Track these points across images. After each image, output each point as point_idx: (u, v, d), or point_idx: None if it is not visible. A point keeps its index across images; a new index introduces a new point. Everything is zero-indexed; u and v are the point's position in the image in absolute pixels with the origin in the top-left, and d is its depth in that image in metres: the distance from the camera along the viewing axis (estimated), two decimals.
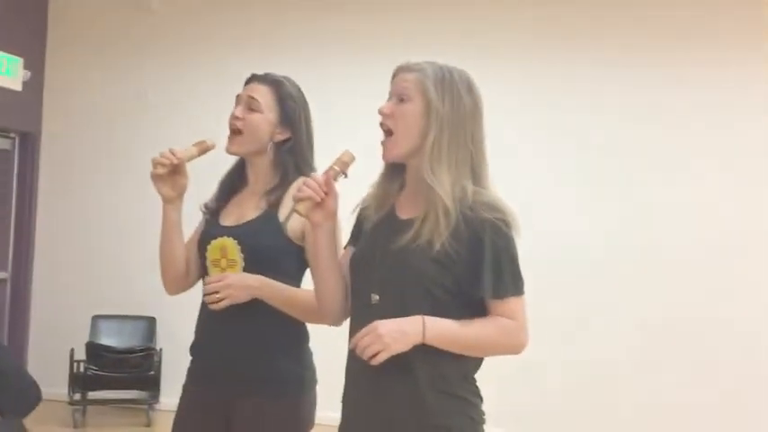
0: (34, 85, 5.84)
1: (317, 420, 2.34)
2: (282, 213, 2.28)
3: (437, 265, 1.82)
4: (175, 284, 2.40)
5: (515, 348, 1.89)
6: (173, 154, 2.24)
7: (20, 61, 5.64)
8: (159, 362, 5.32)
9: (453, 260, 1.82)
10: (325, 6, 5.59)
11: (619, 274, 5.10)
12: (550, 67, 5.28)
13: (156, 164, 2.24)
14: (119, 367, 5.24)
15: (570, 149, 5.26)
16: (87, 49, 5.95)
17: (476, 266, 1.82)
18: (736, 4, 5.05)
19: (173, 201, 2.30)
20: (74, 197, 5.94)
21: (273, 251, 2.27)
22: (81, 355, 5.32)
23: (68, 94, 5.97)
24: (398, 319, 1.81)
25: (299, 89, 2.39)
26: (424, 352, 1.82)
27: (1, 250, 5.85)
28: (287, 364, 2.27)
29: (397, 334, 1.78)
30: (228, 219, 2.35)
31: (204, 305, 2.31)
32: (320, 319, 2.21)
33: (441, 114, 1.87)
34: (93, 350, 5.26)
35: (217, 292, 2.20)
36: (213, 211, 2.39)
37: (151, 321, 5.63)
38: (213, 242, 2.30)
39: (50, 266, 5.93)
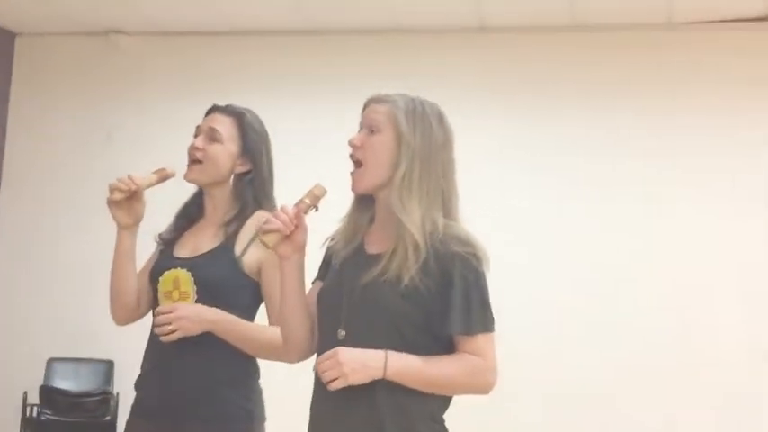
0: None
1: None
2: (239, 246, 2.24)
3: (405, 300, 1.77)
4: (124, 314, 2.34)
5: (482, 388, 1.83)
6: (131, 180, 2.19)
7: None
8: (116, 406, 5.17)
9: (422, 295, 1.77)
10: (293, 47, 5.60)
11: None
12: (533, 108, 5.31)
13: (113, 189, 2.20)
14: (74, 411, 5.09)
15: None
16: (53, 86, 5.88)
17: (444, 301, 1.77)
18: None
19: (128, 227, 2.25)
20: (33, 233, 5.81)
21: (228, 285, 2.22)
22: (35, 398, 5.17)
23: (32, 129, 5.88)
24: (362, 351, 1.75)
25: (261, 122, 2.37)
26: (387, 387, 1.77)
27: None
28: (235, 398, 2.20)
29: (357, 365, 1.73)
30: (183, 250, 2.30)
31: (152, 337, 2.24)
32: (278, 355, 2.15)
33: (412, 146, 1.84)
34: (48, 394, 5.11)
35: (168, 324, 2.14)
36: (168, 242, 2.34)
37: (109, 365, 5.47)
38: (166, 273, 2.25)
39: (5, 307, 5.77)
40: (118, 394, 5.25)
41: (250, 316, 2.27)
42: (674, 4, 4.86)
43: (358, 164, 1.89)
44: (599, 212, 5.12)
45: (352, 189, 1.92)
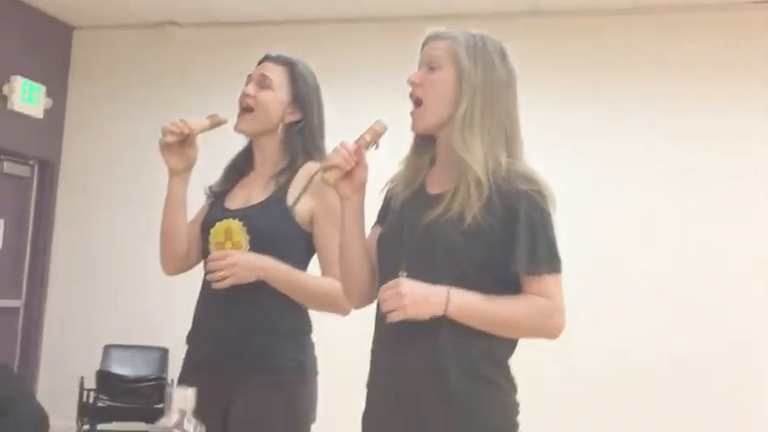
0: (55, 114, 5.85)
1: None
2: (291, 196, 2.20)
3: (468, 238, 1.71)
4: (174, 263, 2.31)
5: (550, 331, 1.75)
6: (184, 123, 2.18)
7: (42, 89, 5.66)
8: (170, 393, 5.16)
9: (486, 233, 1.71)
10: (347, 36, 5.58)
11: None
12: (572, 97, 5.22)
13: (166, 132, 2.18)
14: (129, 397, 5.13)
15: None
16: (109, 79, 5.96)
17: (509, 240, 1.70)
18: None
19: (180, 173, 2.23)
20: (90, 226, 5.89)
21: (280, 234, 2.18)
22: (91, 383, 5.22)
23: (89, 122, 5.97)
24: (424, 284, 1.69)
25: (313, 73, 2.33)
26: (450, 327, 1.71)
27: (15, 278, 5.79)
28: (287, 350, 2.16)
29: (419, 298, 1.67)
30: (234, 202, 2.27)
31: (204, 288, 2.22)
32: (332, 305, 2.12)
33: (473, 82, 1.77)
34: (104, 379, 5.15)
35: (221, 270, 2.11)
36: (218, 195, 2.32)
37: (163, 352, 5.51)
38: (218, 224, 2.22)
39: (64, 295, 5.86)
40: (173, 381, 5.27)
41: (302, 268, 2.22)
42: None
43: (417, 102, 1.84)
44: (633, 194, 5.01)
45: (412, 128, 1.87)
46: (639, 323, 4.84)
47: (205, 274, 2.18)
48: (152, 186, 5.48)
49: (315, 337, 2.25)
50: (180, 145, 2.20)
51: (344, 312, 2.19)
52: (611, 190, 5.04)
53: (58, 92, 5.86)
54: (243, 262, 2.11)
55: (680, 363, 4.73)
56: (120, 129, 5.92)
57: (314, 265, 2.30)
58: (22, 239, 5.82)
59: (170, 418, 1.26)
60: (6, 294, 5.71)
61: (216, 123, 2.25)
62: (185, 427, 1.25)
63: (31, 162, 5.86)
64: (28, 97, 5.56)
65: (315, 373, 2.22)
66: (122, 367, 5.34)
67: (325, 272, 2.21)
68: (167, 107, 5.86)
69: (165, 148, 2.19)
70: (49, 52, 5.86)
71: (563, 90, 5.19)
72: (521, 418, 1.77)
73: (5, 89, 5.43)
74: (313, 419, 2.21)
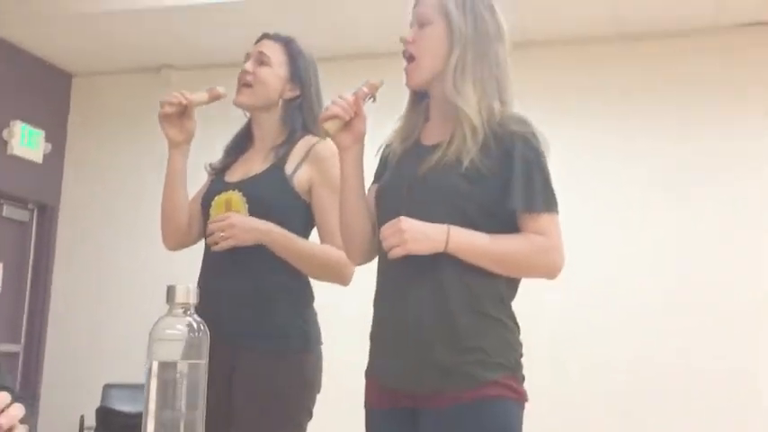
0: (55, 158, 5.91)
1: None
2: (289, 166, 2.24)
3: (466, 181, 1.75)
4: (175, 237, 2.34)
5: (549, 269, 1.78)
6: (182, 95, 2.23)
7: (42, 134, 5.75)
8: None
9: (484, 176, 1.75)
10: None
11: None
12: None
13: (164, 104, 2.23)
14: None
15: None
16: (107, 123, 6.05)
17: (506, 179, 1.75)
18: None
19: (179, 145, 2.28)
20: (89, 268, 5.90)
21: (279, 203, 2.22)
22: (91, 422, 5.16)
23: (88, 166, 6.03)
24: (424, 222, 1.73)
25: (310, 51, 2.40)
26: (452, 264, 1.73)
27: (15, 323, 5.77)
28: (291, 317, 2.18)
29: (419, 234, 1.71)
30: (234, 175, 2.31)
31: (206, 255, 2.24)
32: (332, 272, 2.15)
33: (463, 33, 1.84)
34: (104, 415, 5.09)
35: (221, 232, 2.13)
36: (219, 170, 2.36)
37: None
38: (217, 197, 2.26)
39: (63, 336, 5.84)
40: None
41: (303, 238, 2.25)
42: None
43: (410, 58, 1.90)
44: (635, 218, 5.01)
45: (407, 83, 1.92)
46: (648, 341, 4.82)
47: (206, 238, 2.20)
48: (151, 221, 5.55)
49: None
50: (179, 117, 2.25)
51: (345, 281, 2.21)
52: (608, 213, 5.06)
53: (57, 136, 5.94)
54: (241, 223, 2.14)
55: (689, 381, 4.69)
56: (119, 171, 5.98)
57: (314, 238, 2.33)
58: (22, 283, 5.83)
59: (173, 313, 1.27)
60: (5, 338, 5.68)
61: (214, 97, 2.30)
62: (190, 320, 1.26)
63: (30, 206, 5.90)
64: (27, 142, 5.64)
65: (319, 342, 2.23)
66: (123, 404, 5.28)
67: (323, 240, 2.23)
68: (165, 149, 5.93)
69: (164, 119, 2.24)
70: (49, 98, 5.96)
71: (556, 116, 5.25)
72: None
73: (5, 134, 5.51)
74: (318, 389, 2.21)
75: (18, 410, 1.20)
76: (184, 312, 1.25)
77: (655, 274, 4.88)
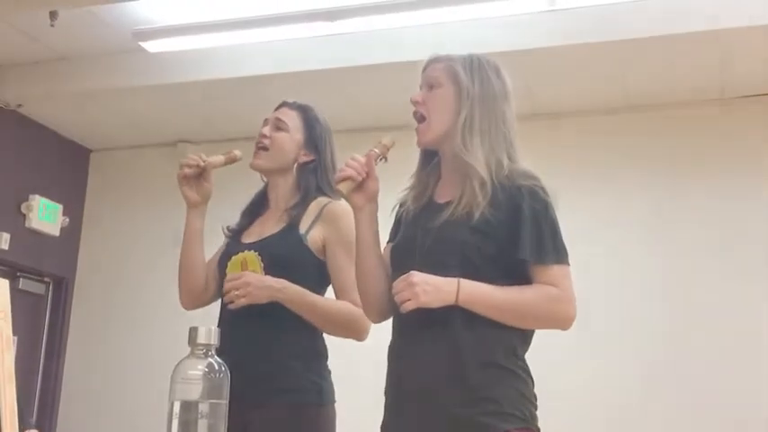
0: (72, 231, 5.99)
1: None
2: (303, 226, 2.29)
3: (477, 233, 1.79)
4: (192, 297, 2.37)
5: (562, 320, 1.80)
6: (200, 157, 2.29)
7: (59, 207, 5.84)
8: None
9: (493, 227, 1.79)
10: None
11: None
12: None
13: (183, 165, 2.29)
14: None
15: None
16: (124, 197, 6.15)
17: (515, 231, 1.79)
18: None
19: (197, 205, 2.34)
20: (103, 342, 5.91)
21: (294, 261, 2.26)
22: None
23: (104, 240, 6.10)
24: (435, 276, 1.77)
25: (325, 118, 2.47)
26: (464, 317, 1.76)
27: (27, 398, 5.74)
28: (306, 373, 2.20)
29: (430, 287, 1.74)
30: (250, 237, 2.36)
31: (222, 313, 2.27)
32: (348, 327, 2.16)
33: (471, 94, 1.91)
34: None
35: (236, 291, 2.16)
36: (235, 233, 2.41)
37: None
38: (234, 258, 2.30)
39: (76, 410, 5.82)
40: None
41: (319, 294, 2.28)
42: None
43: (421, 119, 1.96)
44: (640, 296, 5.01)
45: (418, 143, 1.99)
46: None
47: (222, 297, 2.24)
48: (166, 301, 5.59)
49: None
50: (196, 179, 2.31)
51: (361, 336, 2.24)
52: (620, 281, 5.07)
53: (74, 210, 6.03)
54: (256, 281, 2.18)
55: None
56: (135, 245, 6.04)
57: (329, 294, 2.36)
58: (35, 356, 5.84)
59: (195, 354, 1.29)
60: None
61: (231, 159, 2.37)
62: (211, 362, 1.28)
63: (46, 279, 5.95)
64: (45, 215, 5.73)
65: (333, 400, 2.25)
66: None
67: (339, 297, 2.27)
68: (180, 221, 5.98)
69: (183, 180, 2.31)
70: (67, 173, 6.07)
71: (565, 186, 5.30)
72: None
73: (24, 207, 5.60)
74: None
75: None
76: (205, 354, 1.28)
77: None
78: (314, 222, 2.29)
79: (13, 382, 1.20)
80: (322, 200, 2.33)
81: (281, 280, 2.20)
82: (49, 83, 5.32)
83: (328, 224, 2.28)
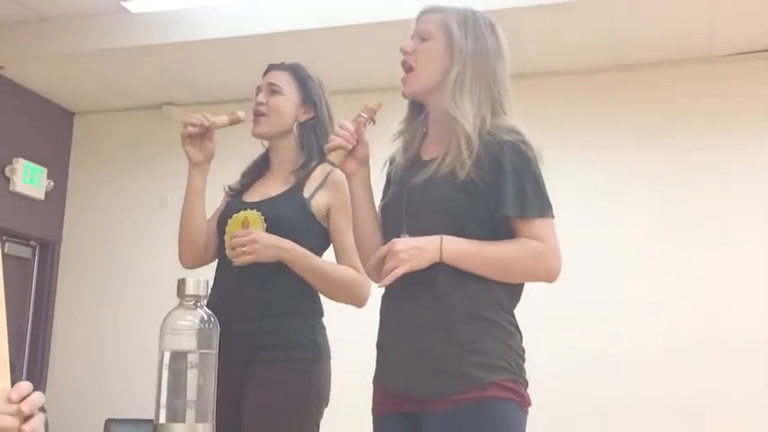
0: (56, 195, 5.96)
1: None
2: (308, 190, 2.29)
3: (462, 193, 1.80)
4: (192, 255, 2.38)
5: (546, 273, 1.81)
6: (204, 117, 2.28)
7: (44, 171, 5.80)
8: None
9: (478, 186, 1.80)
10: None
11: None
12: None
13: (187, 124, 2.28)
14: None
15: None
16: (109, 160, 6.11)
17: (497, 187, 1.79)
18: None
19: (200, 165, 2.33)
20: (90, 303, 5.92)
21: (298, 225, 2.26)
22: None
23: (89, 203, 6.08)
24: (416, 238, 1.78)
25: (316, 74, 2.46)
26: (449, 273, 1.77)
27: (16, 361, 5.76)
28: (303, 329, 2.21)
29: (414, 251, 1.75)
30: (252, 197, 2.36)
31: (220, 269, 2.27)
32: (348, 292, 2.18)
33: (464, 50, 1.89)
34: None
35: (243, 247, 2.17)
36: (237, 191, 2.41)
37: None
38: (235, 215, 2.30)
39: (65, 372, 5.84)
40: None
41: None
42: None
43: (409, 69, 1.95)
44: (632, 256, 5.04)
45: (403, 93, 1.98)
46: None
47: (226, 251, 2.23)
48: (154, 262, 5.61)
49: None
50: (200, 138, 2.31)
51: (360, 302, 2.25)
52: (609, 243, 5.08)
53: (59, 173, 5.99)
54: (263, 239, 2.19)
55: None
56: (120, 208, 6.02)
57: (328, 256, 2.37)
58: (24, 319, 5.83)
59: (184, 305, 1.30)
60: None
61: (234, 121, 2.37)
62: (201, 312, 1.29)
63: (32, 243, 5.93)
64: (30, 179, 5.69)
65: (329, 356, 2.27)
66: None
67: (340, 261, 2.28)
68: (166, 185, 5.99)
69: (186, 139, 2.30)
70: (51, 136, 6.03)
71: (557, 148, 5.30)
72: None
73: (8, 171, 5.56)
74: (326, 402, 2.23)
75: (38, 398, 1.24)
76: (195, 304, 1.28)
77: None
78: (318, 188, 2.30)
79: (5, 336, 1.20)
80: (327, 165, 2.33)
81: (288, 240, 2.20)
82: (31, 45, 5.26)
83: (333, 190, 2.29)
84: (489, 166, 1.80)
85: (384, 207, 1.98)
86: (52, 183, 5.87)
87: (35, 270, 5.95)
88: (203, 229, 2.37)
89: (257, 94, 2.43)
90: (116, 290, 5.91)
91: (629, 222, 5.07)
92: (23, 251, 5.88)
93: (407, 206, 1.86)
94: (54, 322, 5.95)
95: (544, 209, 1.81)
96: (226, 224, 2.32)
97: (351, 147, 1.92)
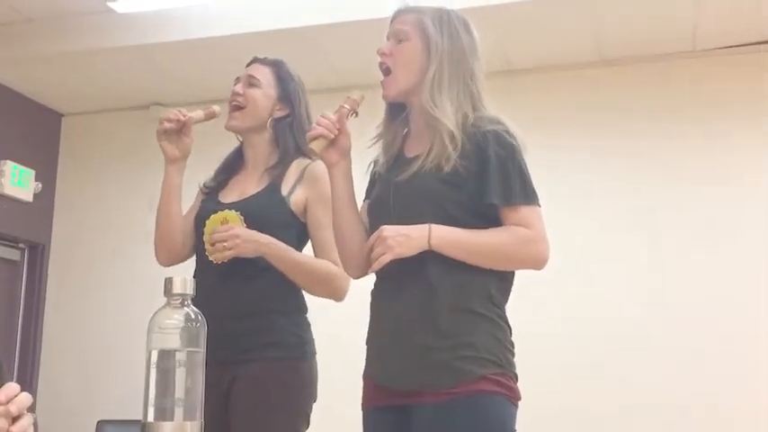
0: (45, 197, 5.94)
1: None
2: (285, 187, 2.29)
3: (448, 184, 1.81)
4: (168, 253, 2.38)
5: (535, 260, 1.82)
6: (180, 112, 2.28)
7: (32, 173, 5.78)
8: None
9: (463, 177, 1.81)
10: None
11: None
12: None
13: (163, 120, 2.28)
14: None
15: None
16: (97, 161, 6.09)
17: (482, 177, 1.81)
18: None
19: (176, 161, 2.33)
20: (80, 305, 5.90)
21: (277, 222, 2.27)
22: None
23: (78, 205, 6.06)
24: (405, 225, 1.79)
25: (297, 73, 2.46)
26: (438, 262, 1.78)
27: (5, 362, 5.74)
28: (289, 326, 2.22)
29: (401, 237, 1.76)
30: (229, 196, 2.36)
31: (199, 269, 2.27)
32: (328, 286, 2.18)
33: (440, 50, 1.91)
34: None
35: (223, 243, 2.17)
36: (212, 189, 2.40)
37: None
38: (213, 216, 2.30)
39: (55, 374, 5.82)
40: None
41: None
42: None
43: (387, 71, 1.97)
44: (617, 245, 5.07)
45: (383, 96, 1.99)
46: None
47: (205, 248, 2.23)
48: (142, 264, 5.58)
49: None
50: (176, 134, 2.30)
51: (339, 296, 2.25)
52: (598, 238, 5.10)
53: (47, 175, 5.97)
54: (245, 235, 2.19)
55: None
56: (109, 209, 6.00)
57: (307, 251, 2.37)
58: (13, 322, 5.82)
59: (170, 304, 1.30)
60: None
61: (210, 115, 2.37)
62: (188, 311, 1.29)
63: (21, 245, 5.91)
64: (18, 181, 5.67)
65: (314, 352, 2.27)
66: None
67: (319, 256, 2.28)
68: (155, 185, 5.95)
69: (163, 135, 2.30)
70: (39, 138, 6.00)
71: (544, 144, 5.31)
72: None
73: None
74: (314, 397, 2.24)
75: (26, 399, 1.24)
76: (182, 303, 1.29)
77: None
78: (296, 184, 2.30)
79: None
80: (303, 161, 2.33)
81: (267, 236, 2.20)
82: (16, 46, 5.23)
83: (310, 184, 2.29)
84: (474, 156, 1.82)
85: (370, 206, 1.99)
86: (41, 185, 5.85)
87: (24, 272, 5.92)
88: (180, 225, 2.37)
89: (236, 84, 2.43)
90: (106, 291, 5.90)
91: (615, 216, 5.08)
92: (12, 254, 5.86)
93: (394, 202, 1.87)
94: (44, 324, 5.93)
95: (529, 196, 1.83)
96: (203, 224, 2.32)
97: (332, 136, 1.93)
